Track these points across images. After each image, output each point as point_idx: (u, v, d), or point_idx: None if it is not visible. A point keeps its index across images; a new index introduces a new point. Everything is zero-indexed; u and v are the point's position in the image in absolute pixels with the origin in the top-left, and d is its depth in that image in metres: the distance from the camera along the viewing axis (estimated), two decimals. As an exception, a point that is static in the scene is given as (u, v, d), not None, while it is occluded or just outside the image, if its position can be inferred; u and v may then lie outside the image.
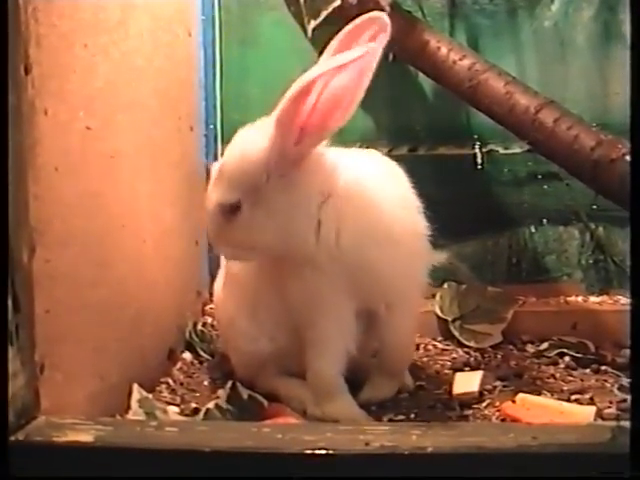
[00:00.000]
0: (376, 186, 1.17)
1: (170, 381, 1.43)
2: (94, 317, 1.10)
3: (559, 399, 1.31)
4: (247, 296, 1.28)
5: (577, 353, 1.54)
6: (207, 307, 1.71)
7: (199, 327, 1.62)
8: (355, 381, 1.26)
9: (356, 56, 1.03)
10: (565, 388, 1.39)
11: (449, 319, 1.65)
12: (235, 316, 1.30)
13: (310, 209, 1.13)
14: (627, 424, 0.81)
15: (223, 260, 1.37)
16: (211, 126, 1.76)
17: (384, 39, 1.06)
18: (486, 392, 1.35)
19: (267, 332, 1.26)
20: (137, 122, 1.26)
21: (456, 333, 1.63)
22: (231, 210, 1.13)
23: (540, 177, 1.77)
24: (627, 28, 1.71)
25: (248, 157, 1.12)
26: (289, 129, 1.07)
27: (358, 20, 1.09)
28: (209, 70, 1.77)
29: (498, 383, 1.40)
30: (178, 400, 1.35)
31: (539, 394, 1.34)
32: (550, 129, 1.38)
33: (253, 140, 1.13)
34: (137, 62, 1.27)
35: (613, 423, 0.97)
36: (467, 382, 1.37)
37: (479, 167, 1.77)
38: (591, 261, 1.80)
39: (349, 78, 1.04)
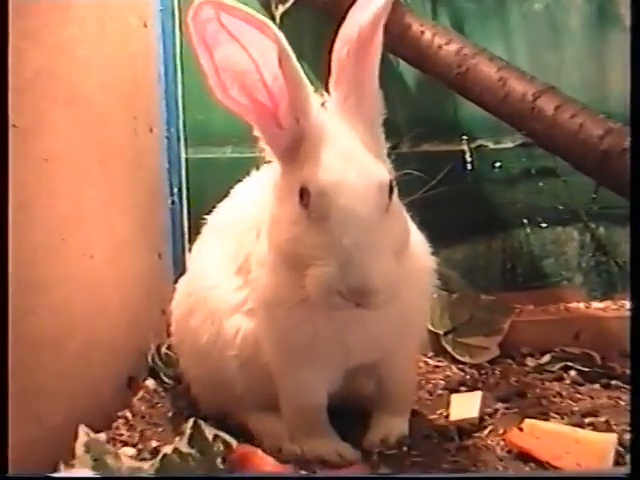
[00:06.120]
0: None
1: (129, 414, 1.30)
2: (25, 350, 0.93)
3: (571, 423, 1.17)
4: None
5: (583, 366, 1.43)
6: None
7: (164, 350, 1.46)
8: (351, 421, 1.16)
9: None
10: (575, 409, 1.27)
11: (440, 332, 1.54)
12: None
13: None
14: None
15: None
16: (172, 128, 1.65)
17: None
18: (487, 416, 1.23)
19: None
20: (80, 120, 1.13)
21: (449, 348, 1.53)
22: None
23: (535, 173, 1.67)
24: (625, 10, 1.59)
25: None
26: None
27: None
28: (169, 65, 1.64)
29: (499, 405, 1.28)
30: (137, 437, 1.22)
31: (547, 417, 1.22)
32: (551, 118, 1.27)
33: None
34: (78, 51, 1.13)
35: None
36: (465, 405, 1.25)
37: (467, 164, 1.66)
38: (592, 264, 1.69)
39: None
